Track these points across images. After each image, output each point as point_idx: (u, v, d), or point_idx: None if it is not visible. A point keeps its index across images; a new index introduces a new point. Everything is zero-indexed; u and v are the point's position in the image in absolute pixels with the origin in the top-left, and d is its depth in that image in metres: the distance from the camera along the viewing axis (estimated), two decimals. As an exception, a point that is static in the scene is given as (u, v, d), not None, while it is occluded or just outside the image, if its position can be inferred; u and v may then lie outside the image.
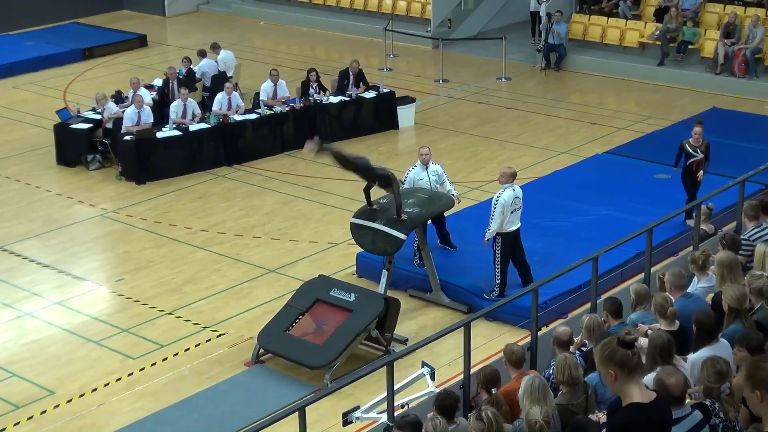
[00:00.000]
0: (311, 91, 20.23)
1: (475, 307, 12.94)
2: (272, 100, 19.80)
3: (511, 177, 13.14)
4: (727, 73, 22.47)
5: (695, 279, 9.70)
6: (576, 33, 25.02)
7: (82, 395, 11.99)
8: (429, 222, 14.03)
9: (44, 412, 11.68)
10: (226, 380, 12.18)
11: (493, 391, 8.32)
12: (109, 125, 19.00)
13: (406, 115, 20.77)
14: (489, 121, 21.15)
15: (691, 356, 7.68)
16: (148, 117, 18.70)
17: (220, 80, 20.82)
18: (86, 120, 19.36)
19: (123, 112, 18.92)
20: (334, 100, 20.13)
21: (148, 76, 22.54)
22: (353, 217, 13.55)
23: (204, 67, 21.49)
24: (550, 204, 15.87)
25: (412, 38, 26.44)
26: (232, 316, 13.63)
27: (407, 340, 12.76)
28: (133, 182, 18.20)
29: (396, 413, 8.71)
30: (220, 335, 13.20)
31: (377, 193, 13.37)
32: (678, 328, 8.39)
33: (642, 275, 11.02)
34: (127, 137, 18.29)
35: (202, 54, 21.69)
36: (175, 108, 19.04)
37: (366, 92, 20.52)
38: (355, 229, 13.40)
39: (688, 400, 6.33)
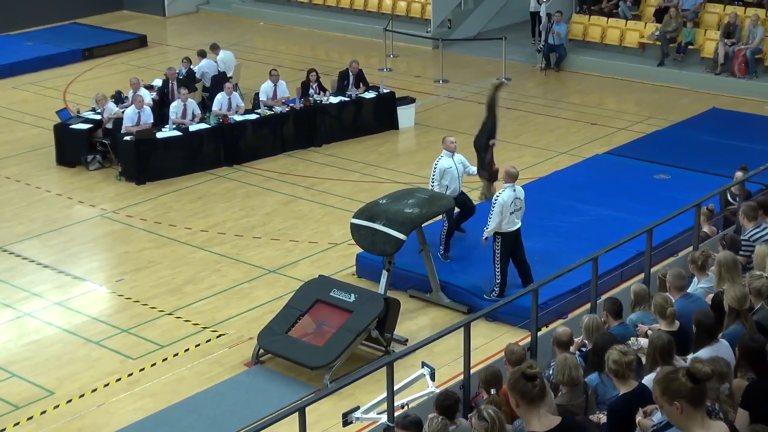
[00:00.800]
0: (311, 91, 20.23)
1: (475, 308, 12.93)
2: (272, 100, 19.80)
3: (513, 177, 13.13)
4: (727, 74, 22.46)
5: (695, 279, 9.70)
6: (576, 33, 25.02)
7: (82, 395, 11.99)
8: (456, 210, 14.30)
9: (44, 412, 11.68)
10: (226, 381, 12.18)
11: (493, 391, 8.32)
12: (109, 125, 19.00)
13: (406, 115, 20.77)
14: (489, 121, 21.13)
15: (691, 357, 7.67)
16: (148, 117, 18.70)
17: (220, 80, 20.82)
18: (86, 120, 19.36)
19: (123, 112, 18.92)
20: (334, 100, 20.12)
21: (147, 76, 22.55)
22: (353, 218, 13.55)
23: (204, 67, 21.49)
24: (550, 204, 15.86)
25: (412, 38, 26.44)
26: (232, 316, 13.63)
27: (407, 340, 12.76)
28: (133, 182, 18.20)
29: (396, 413, 8.71)
30: (220, 336, 13.20)
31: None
32: (678, 329, 8.39)
33: (642, 275, 11.01)
34: (127, 137, 18.29)
35: (201, 54, 21.69)
36: (174, 108, 19.04)
37: (366, 92, 20.53)
38: (355, 230, 13.39)
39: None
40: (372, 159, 19.17)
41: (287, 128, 19.61)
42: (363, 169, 18.69)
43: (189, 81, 20.80)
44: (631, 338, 8.50)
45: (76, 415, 11.63)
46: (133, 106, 18.69)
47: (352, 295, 12.64)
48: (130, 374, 12.37)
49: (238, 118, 19.19)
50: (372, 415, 9.68)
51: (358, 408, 9.64)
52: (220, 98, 19.40)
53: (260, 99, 19.90)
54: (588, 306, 10.62)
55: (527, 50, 25.74)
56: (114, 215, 17.03)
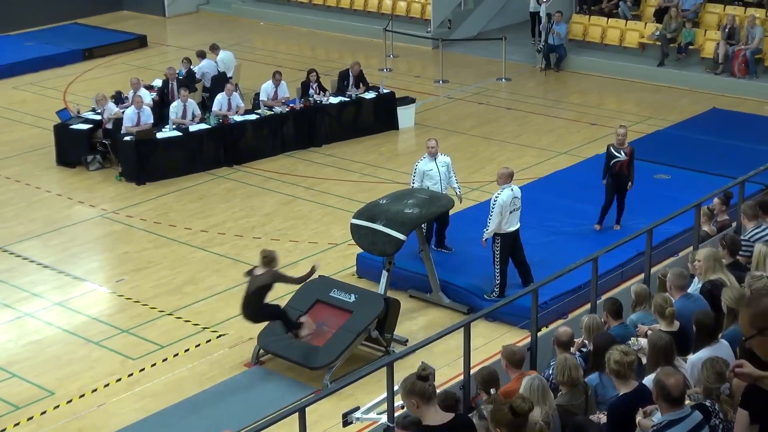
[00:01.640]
0: (311, 91, 20.23)
1: (475, 308, 12.93)
2: (272, 100, 19.80)
3: (509, 177, 13.14)
4: (727, 74, 22.46)
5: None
6: (576, 33, 25.02)
7: (82, 396, 11.99)
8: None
9: (44, 412, 11.68)
10: (226, 381, 12.18)
11: (492, 391, 8.31)
12: (109, 126, 19.00)
13: (406, 115, 20.77)
14: (489, 121, 21.15)
15: (691, 357, 7.68)
16: (147, 117, 18.70)
17: (220, 81, 20.83)
18: (86, 120, 19.36)
19: (123, 112, 18.92)
20: (334, 100, 20.12)
21: (147, 76, 22.55)
22: (353, 218, 13.54)
23: (204, 67, 21.48)
24: (550, 204, 15.86)
25: (412, 39, 26.44)
26: (232, 316, 13.60)
27: (407, 340, 12.76)
28: (133, 183, 18.20)
29: (396, 414, 8.71)
30: (220, 336, 13.20)
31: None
32: (678, 329, 8.39)
33: (642, 275, 11.01)
34: (127, 138, 18.29)
35: (201, 55, 21.68)
36: (174, 108, 19.04)
37: (366, 93, 20.52)
38: (355, 230, 13.39)
39: (687, 401, 6.33)
40: (372, 159, 19.17)
41: (287, 128, 19.61)
42: (363, 169, 18.69)
43: (189, 81, 20.80)
44: (632, 338, 8.50)
45: (77, 415, 11.63)
46: (133, 106, 18.68)
47: (352, 295, 12.64)
48: (131, 374, 12.37)
49: (238, 118, 19.19)
50: (372, 415, 9.68)
51: (358, 408, 9.65)
52: (220, 98, 19.39)
53: (261, 98, 19.90)
54: (588, 306, 10.62)
55: (527, 50, 25.73)
56: (114, 215, 17.02)
